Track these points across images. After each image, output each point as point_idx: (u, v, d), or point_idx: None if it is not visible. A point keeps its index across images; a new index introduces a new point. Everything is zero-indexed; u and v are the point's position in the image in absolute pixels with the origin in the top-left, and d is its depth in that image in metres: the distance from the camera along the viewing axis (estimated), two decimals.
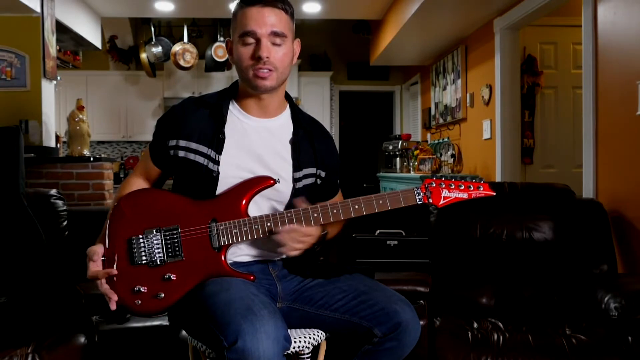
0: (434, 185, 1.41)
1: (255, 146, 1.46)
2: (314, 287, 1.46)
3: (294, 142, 1.50)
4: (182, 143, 1.43)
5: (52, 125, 4.13)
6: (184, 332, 2.03)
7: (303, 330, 1.46)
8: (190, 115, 1.46)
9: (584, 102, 2.89)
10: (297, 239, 1.36)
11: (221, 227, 1.37)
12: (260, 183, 1.40)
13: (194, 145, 1.42)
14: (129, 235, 1.37)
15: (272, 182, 1.40)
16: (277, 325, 1.17)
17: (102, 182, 3.80)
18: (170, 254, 1.36)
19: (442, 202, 1.41)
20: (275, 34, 1.38)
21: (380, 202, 1.39)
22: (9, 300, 1.99)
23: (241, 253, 1.46)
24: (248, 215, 1.38)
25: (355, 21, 6.35)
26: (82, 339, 1.78)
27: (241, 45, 1.40)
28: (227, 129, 1.45)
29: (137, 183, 1.52)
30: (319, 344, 1.49)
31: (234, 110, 1.49)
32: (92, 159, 3.79)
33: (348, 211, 1.38)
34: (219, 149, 1.42)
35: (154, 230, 1.37)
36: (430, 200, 1.41)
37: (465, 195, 1.42)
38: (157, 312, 1.38)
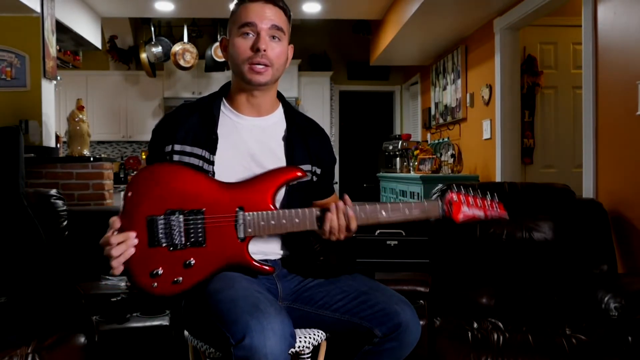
0: (456, 200, 1.41)
1: (249, 145, 1.46)
2: (314, 287, 1.47)
3: (286, 139, 1.51)
4: (177, 147, 1.43)
5: (52, 125, 4.13)
6: (185, 332, 2.03)
7: (303, 330, 1.46)
8: (183, 119, 1.46)
9: (584, 102, 2.89)
10: (343, 227, 1.36)
11: (248, 218, 1.34)
12: (289, 174, 1.40)
13: (188, 149, 1.42)
14: (149, 214, 1.31)
15: (299, 174, 1.40)
16: (283, 323, 1.18)
17: (102, 182, 3.80)
18: (192, 239, 1.32)
19: (461, 218, 1.41)
20: (275, 27, 1.40)
21: (407, 210, 1.39)
22: (9, 300, 1.99)
23: None
24: (275, 207, 1.37)
25: (355, 21, 6.35)
26: (82, 339, 1.78)
27: (239, 37, 1.41)
28: (220, 130, 1.46)
29: None
30: (319, 344, 1.49)
31: (225, 110, 1.50)
32: (92, 159, 3.79)
33: (375, 217, 1.38)
34: (212, 150, 1.42)
35: (177, 213, 1.32)
36: (451, 215, 1.41)
37: (482, 214, 1.42)
38: (173, 295, 1.35)
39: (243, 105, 1.49)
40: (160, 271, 1.31)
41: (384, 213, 1.38)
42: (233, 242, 1.35)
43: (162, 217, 1.31)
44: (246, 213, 1.35)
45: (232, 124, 1.48)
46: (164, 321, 2.15)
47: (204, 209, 1.34)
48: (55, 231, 2.30)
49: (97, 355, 1.83)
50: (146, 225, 1.31)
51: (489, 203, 1.42)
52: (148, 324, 2.14)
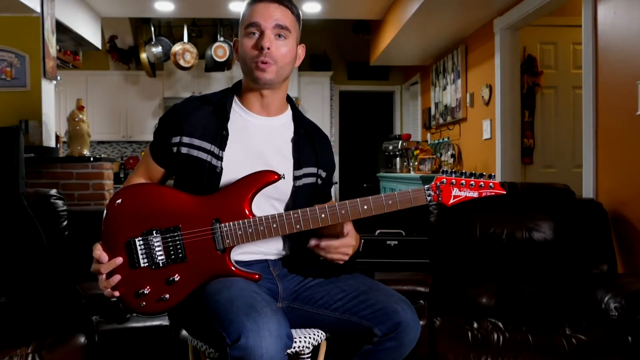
0: (445, 183, 1.34)
1: (258, 143, 1.46)
2: (313, 286, 1.47)
3: (295, 141, 1.51)
4: (185, 140, 1.43)
5: (52, 125, 4.13)
6: (184, 332, 2.03)
7: (303, 330, 1.46)
8: (193, 112, 1.46)
9: (584, 102, 2.89)
10: (344, 251, 1.39)
11: (225, 229, 1.34)
12: (264, 179, 1.37)
13: (197, 142, 1.42)
14: (127, 238, 1.33)
15: (276, 177, 1.37)
16: (279, 323, 1.17)
17: (102, 182, 3.80)
18: (172, 257, 1.33)
19: (452, 201, 1.35)
20: (279, 26, 1.40)
21: (390, 202, 1.34)
22: (9, 300, 1.99)
23: (241, 251, 1.45)
24: (252, 214, 1.36)
25: (355, 21, 6.35)
26: (82, 339, 1.78)
27: (245, 36, 1.42)
28: (230, 126, 1.45)
29: (139, 182, 1.50)
30: (319, 344, 1.49)
31: (236, 108, 1.49)
32: (92, 159, 3.79)
33: (356, 212, 1.34)
34: (222, 145, 1.42)
35: (154, 232, 1.33)
36: (440, 199, 1.35)
37: (475, 194, 1.35)
38: (162, 312, 1.37)
39: (253, 104, 1.49)
40: (147, 290, 1.33)
41: (365, 207, 1.35)
42: (213, 254, 1.35)
43: (140, 238, 1.33)
44: (223, 224, 1.34)
45: (242, 122, 1.47)
46: (164, 321, 2.15)
47: (180, 225, 1.34)
48: (55, 231, 2.30)
49: (97, 355, 1.83)
50: (125, 249, 1.33)
51: (483, 183, 1.34)
52: (148, 324, 2.14)
